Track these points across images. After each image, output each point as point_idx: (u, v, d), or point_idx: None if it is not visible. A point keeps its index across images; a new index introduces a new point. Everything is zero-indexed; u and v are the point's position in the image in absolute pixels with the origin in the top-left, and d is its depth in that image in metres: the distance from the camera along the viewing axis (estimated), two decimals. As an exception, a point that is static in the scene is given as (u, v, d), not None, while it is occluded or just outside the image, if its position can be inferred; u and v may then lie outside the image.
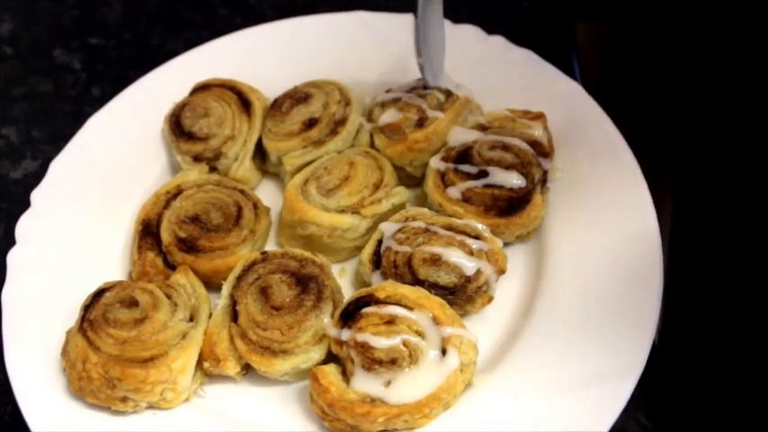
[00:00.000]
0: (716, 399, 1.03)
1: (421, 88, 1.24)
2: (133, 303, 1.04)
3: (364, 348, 0.99)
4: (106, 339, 1.01)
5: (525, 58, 1.34)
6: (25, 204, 1.22)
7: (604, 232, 1.14)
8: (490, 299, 1.10)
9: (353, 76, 1.33)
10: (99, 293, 1.07)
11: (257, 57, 1.38)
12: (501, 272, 1.11)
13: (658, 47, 1.38)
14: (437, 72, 1.23)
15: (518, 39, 1.37)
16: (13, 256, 1.15)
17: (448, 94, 1.23)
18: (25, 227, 1.19)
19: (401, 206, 1.18)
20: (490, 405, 1.02)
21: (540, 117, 1.23)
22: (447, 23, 1.37)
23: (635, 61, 1.42)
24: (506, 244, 1.16)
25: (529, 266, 1.17)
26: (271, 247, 1.21)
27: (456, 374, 1.00)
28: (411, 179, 1.23)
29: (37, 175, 1.35)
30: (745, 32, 1.12)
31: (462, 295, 1.07)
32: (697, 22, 1.25)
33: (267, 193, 1.27)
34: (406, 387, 0.98)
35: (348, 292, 1.13)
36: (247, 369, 1.08)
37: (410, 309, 1.02)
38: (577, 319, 1.08)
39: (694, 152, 1.21)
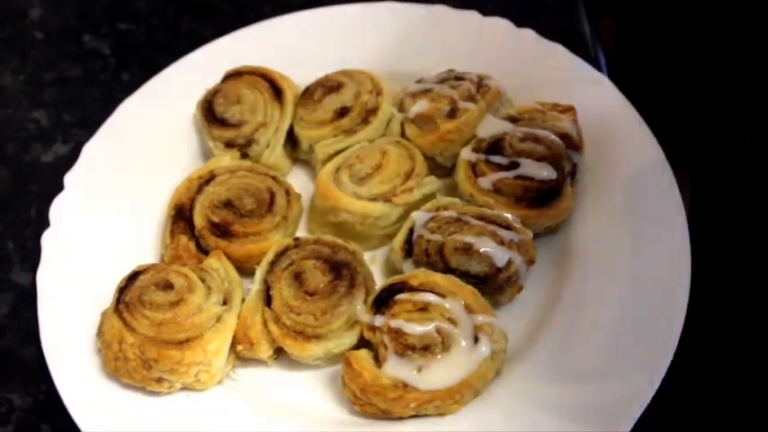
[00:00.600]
0: (735, 397, 1.04)
1: (452, 79, 1.25)
2: (168, 286, 1.06)
3: (398, 334, 1.01)
4: (142, 321, 1.03)
5: (554, 51, 1.34)
6: (56, 187, 1.24)
7: (632, 225, 1.15)
8: (520, 288, 1.11)
9: (384, 65, 1.34)
10: (134, 276, 1.09)
11: (288, 45, 1.39)
12: (531, 262, 1.12)
13: (682, 40, 1.39)
14: None
15: (545, 32, 1.37)
16: (47, 238, 1.17)
17: (479, 85, 1.24)
18: (58, 209, 1.21)
19: (432, 196, 1.19)
20: (519, 393, 1.03)
21: (569, 110, 1.23)
22: (476, 15, 1.39)
23: (659, 54, 1.43)
24: (536, 235, 1.16)
25: (557, 257, 1.17)
26: (302, 233, 1.22)
27: (487, 362, 1.01)
28: (441, 169, 1.24)
29: (67, 159, 1.37)
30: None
31: (493, 284, 1.09)
32: (721, 15, 1.26)
33: (298, 181, 1.28)
34: (439, 373, 1.00)
35: (378, 280, 1.14)
36: (279, 353, 1.09)
37: (443, 296, 1.03)
38: (604, 310, 1.09)
39: (713, 142, 1.22)
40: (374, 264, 1.18)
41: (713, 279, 1.12)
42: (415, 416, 1.01)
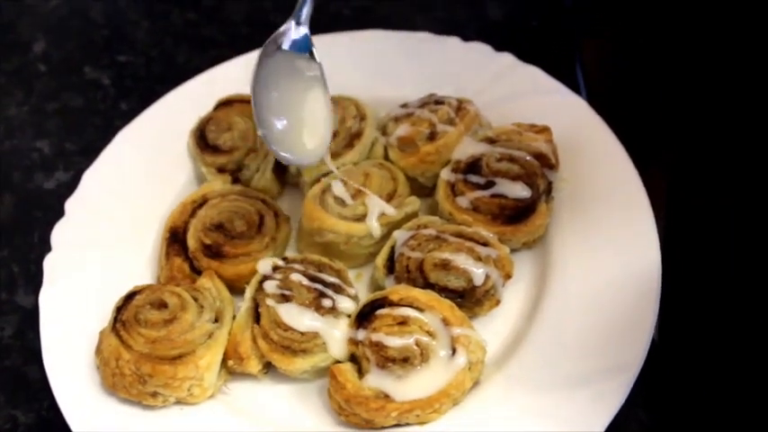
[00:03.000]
0: (713, 394, 1.09)
1: (433, 103, 1.31)
2: (162, 305, 1.12)
3: (379, 347, 1.06)
4: (137, 338, 1.09)
5: (532, 75, 1.40)
6: (59, 213, 1.30)
7: (605, 239, 1.20)
8: (497, 302, 1.16)
9: (369, 91, 1.40)
10: (130, 296, 1.14)
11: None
12: (507, 277, 1.17)
13: (661, 61, 1.44)
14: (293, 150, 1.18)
15: (527, 55, 1.43)
16: (49, 261, 1.23)
17: (458, 108, 1.30)
18: (60, 234, 1.27)
19: (413, 215, 1.25)
20: (496, 401, 1.08)
21: (545, 131, 1.29)
22: (457, 41, 1.45)
23: (638, 75, 1.49)
24: (513, 250, 1.22)
25: (534, 271, 1.23)
26: (291, 253, 1.28)
27: (464, 372, 1.06)
28: (423, 189, 1.30)
29: (69, 186, 1.43)
30: (749, 49, 1.18)
31: (471, 298, 1.14)
32: (699, 36, 1.31)
33: (288, 203, 1.34)
34: (418, 383, 1.05)
35: (364, 296, 1.19)
36: (269, 368, 1.14)
37: (422, 310, 1.09)
38: (579, 320, 1.14)
39: (686, 155, 1.27)
40: (360, 280, 1.24)
41: (688, 287, 1.18)
42: (397, 425, 1.07)
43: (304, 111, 1.21)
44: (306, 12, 1.23)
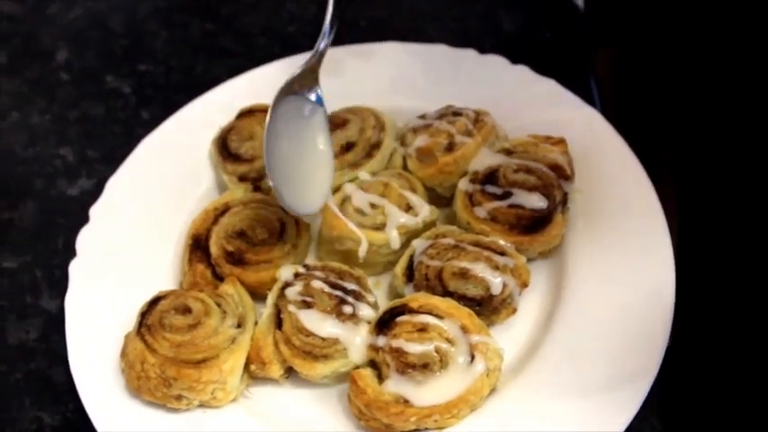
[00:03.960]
0: (726, 400, 1.11)
1: (451, 114, 1.34)
2: (187, 310, 1.14)
3: (399, 353, 1.08)
4: (162, 342, 1.11)
5: (548, 87, 1.43)
6: (82, 219, 1.32)
7: (620, 248, 1.23)
8: (514, 310, 1.19)
9: (387, 102, 1.43)
10: (155, 301, 1.17)
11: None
12: (524, 285, 1.19)
13: (674, 69, 1.47)
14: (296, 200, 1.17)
15: (542, 66, 1.46)
16: (74, 267, 1.26)
17: (476, 120, 1.33)
18: (85, 240, 1.29)
19: (432, 224, 1.27)
20: (512, 407, 1.11)
21: (560, 142, 1.32)
22: (473, 53, 1.48)
23: (652, 83, 1.51)
24: (530, 259, 1.24)
25: (550, 281, 1.25)
26: (311, 260, 1.30)
27: (482, 379, 1.08)
28: (441, 199, 1.32)
29: (92, 193, 1.46)
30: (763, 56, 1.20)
31: (488, 306, 1.16)
32: (713, 44, 1.34)
33: (308, 211, 1.36)
34: (437, 389, 1.07)
35: (382, 303, 1.22)
36: (290, 372, 1.17)
37: (441, 318, 1.11)
38: (594, 328, 1.16)
39: (699, 162, 1.29)
40: (379, 288, 1.27)
41: (702, 292, 1.20)
42: (416, 430, 1.09)
43: (307, 159, 1.22)
44: (318, 59, 1.25)
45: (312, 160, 1.22)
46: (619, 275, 1.20)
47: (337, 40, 1.49)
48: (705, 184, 1.30)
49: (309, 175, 1.22)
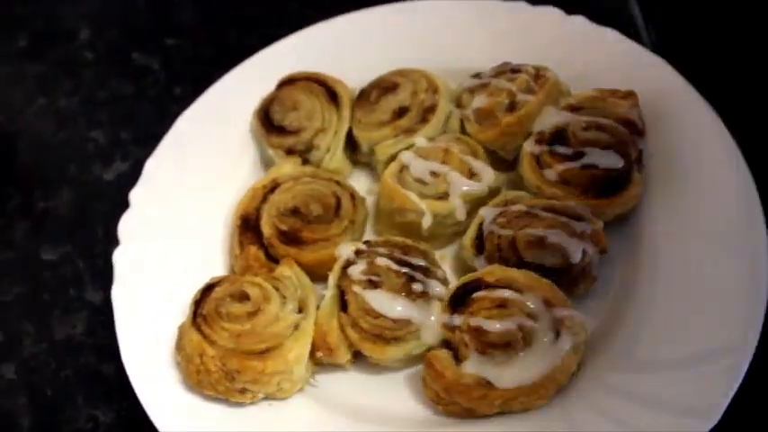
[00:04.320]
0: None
1: (509, 72, 1.24)
2: (244, 297, 1.06)
3: (478, 333, 1.00)
4: (221, 333, 1.03)
5: (607, 37, 1.33)
6: (120, 205, 1.25)
7: (701, 206, 1.13)
8: (594, 279, 1.10)
9: (437, 62, 1.33)
10: (208, 288, 1.09)
11: (338, 48, 1.39)
12: (603, 251, 1.10)
13: (732, 12, 1.37)
14: None
15: (594, 17, 1.35)
16: (118, 256, 1.18)
17: (536, 76, 1.23)
18: (126, 226, 1.22)
19: (497, 190, 1.18)
20: (602, 384, 1.02)
21: (630, 95, 1.22)
22: (525, 5, 1.38)
23: (710, 29, 1.41)
24: (605, 223, 1.15)
25: (628, 245, 1.16)
26: (368, 236, 1.22)
27: (569, 356, 1.00)
28: (503, 163, 1.23)
29: (128, 176, 1.39)
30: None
31: (567, 276, 1.07)
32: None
33: (359, 184, 1.28)
34: (522, 369, 0.99)
35: (451, 279, 1.13)
36: (356, 357, 1.09)
37: (521, 292, 1.02)
38: (680, 297, 1.07)
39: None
40: (444, 262, 1.18)
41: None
42: (500, 413, 1.01)
43: None
44: None
45: None
46: (703, 236, 1.10)
47: (366, 2, 1.40)
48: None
49: None
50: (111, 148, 1.46)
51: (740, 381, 0.97)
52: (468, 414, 1.01)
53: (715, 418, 0.95)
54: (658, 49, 1.40)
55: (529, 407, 1.00)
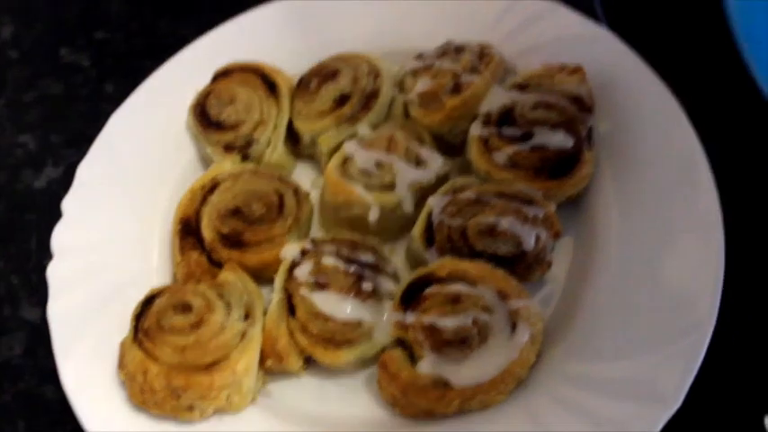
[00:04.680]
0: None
1: (453, 52, 1.19)
2: (186, 308, 1.01)
3: (432, 330, 0.96)
4: (164, 348, 0.98)
5: (553, 10, 1.28)
6: (54, 214, 1.18)
7: (654, 181, 1.10)
8: (549, 265, 1.07)
9: (378, 45, 1.28)
10: (149, 300, 1.04)
11: (275, 35, 1.33)
12: (557, 235, 1.07)
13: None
14: None
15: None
16: (52, 270, 1.12)
17: (481, 55, 1.18)
18: (60, 237, 1.15)
19: (445, 177, 1.14)
20: (560, 374, 0.99)
21: (578, 71, 1.18)
22: (466, -19, 1.32)
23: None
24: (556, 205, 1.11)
25: (581, 226, 1.13)
26: (314, 231, 1.17)
27: (528, 347, 0.97)
28: (451, 148, 1.19)
29: (61, 182, 1.32)
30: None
31: (521, 264, 1.04)
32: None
33: (303, 178, 1.23)
34: (479, 366, 0.95)
35: (402, 272, 1.09)
36: (309, 362, 1.05)
37: (474, 284, 0.99)
38: (637, 277, 1.04)
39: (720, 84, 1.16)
40: (395, 255, 1.13)
41: (750, 235, 1.07)
42: (459, 413, 0.97)
43: None
44: None
45: None
46: (657, 211, 1.07)
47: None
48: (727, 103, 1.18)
49: None
50: (41, 152, 1.38)
51: (699, 363, 0.94)
52: (427, 415, 0.98)
53: (676, 403, 0.92)
54: (609, 23, 1.36)
55: (488, 404, 0.97)
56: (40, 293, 1.19)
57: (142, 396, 0.98)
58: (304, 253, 1.06)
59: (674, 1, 1.36)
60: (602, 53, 1.22)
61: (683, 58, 1.29)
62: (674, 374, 0.94)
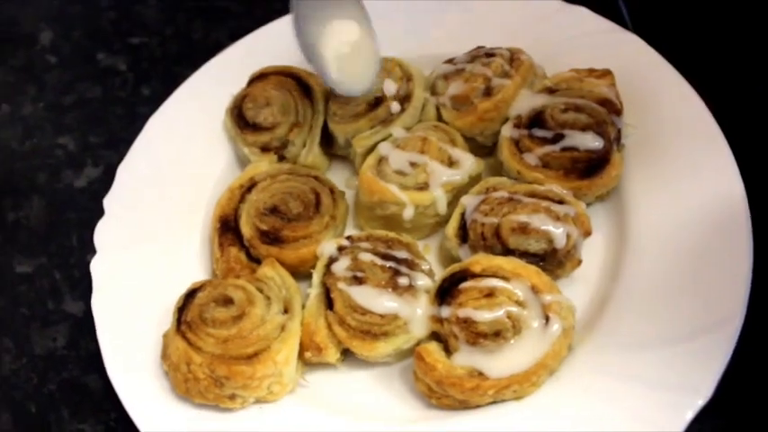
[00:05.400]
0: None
1: (483, 56, 1.23)
2: (228, 301, 1.04)
3: (467, 323, 0.99)
4: (207, 339, 1.01)
5: (580, 15, 1.32)
6: (94, 212, 1.22)
7: (683, 181, 1.13)
8: (579, 262, 1.09)
9: (409, 50, 1.31)
10: (191, 294, 1.07)
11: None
12: (587, 234, 1.10)
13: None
14: (344, 79, 1.18)
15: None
16: (95, 265, 1.16)
17: (511, 59, 1.22)
18: (102, 234, 1.19)
19: (478, 177, 1.17)
20: (591, 368, 1.02)
21: (606, 74, 1.21)
22: (497, -13, 1.36)
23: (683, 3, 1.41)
24: (586, 204, 1.14)
25: (610, 225, 1.15)
26: (350, 230, 1.20)
27: (560, 340, 1.00)
28: (482, 149, 1.22)
29: (101, 182, 1.36)
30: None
31: (553, 261, 1.07)
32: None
33: (338, 177, 1.26)
34: (513, 358, 0.98)
35: (435, 269, 1.12)
36: (346, 354, 1.08)
37: (507, 279, 1.01)
38: (666, 273, 1.07)
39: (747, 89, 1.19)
40: (428, 253, 1.17)
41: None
42: (493, 402, 1.00)
43: (347, 37, 1.19)
44: None
45: (354, 35, 1.19)
46: (685, 210, 1.10)
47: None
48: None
49: (356, 51, 1.19)
50: (81, 153, 1.42)
51: (730, 355, 0.97)
52: (462, 405, 1.00)
53: (707, 393, 0.95)
54: (636, 26, 1.40)
55: (521, 394, 1.00)
56: (81, 288, 1.23)
57: (186, 385, 1.01)
58: (341, 249, 1.09)
59: (699, 5, 1.39)
60: (630, 57, 1.26)
61: (709, 61, 1.32)
62: (705, 366, 0.96)
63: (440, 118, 1.23)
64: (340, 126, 1.23)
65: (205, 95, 1.33)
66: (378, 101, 1.21)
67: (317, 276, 1.08)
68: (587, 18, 1.32)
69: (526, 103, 1.18)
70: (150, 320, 1.11)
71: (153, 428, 1.02)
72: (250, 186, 1.19)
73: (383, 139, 1.20)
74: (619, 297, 1.07)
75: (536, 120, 1.16)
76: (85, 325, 1.15)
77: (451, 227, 1.11)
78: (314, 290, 1.08)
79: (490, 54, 1.23)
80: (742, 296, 1.01)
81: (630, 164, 1.18)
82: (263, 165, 1.21)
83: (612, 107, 1.17)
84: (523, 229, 1.06)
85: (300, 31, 1.16)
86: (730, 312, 1.00)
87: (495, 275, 1.02)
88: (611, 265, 1.12)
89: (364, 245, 1.09)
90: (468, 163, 1.16)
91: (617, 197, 1.17)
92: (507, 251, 1.06)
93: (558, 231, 1.06)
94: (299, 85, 1.27)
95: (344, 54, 1.18)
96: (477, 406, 1.00)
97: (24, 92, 1.52)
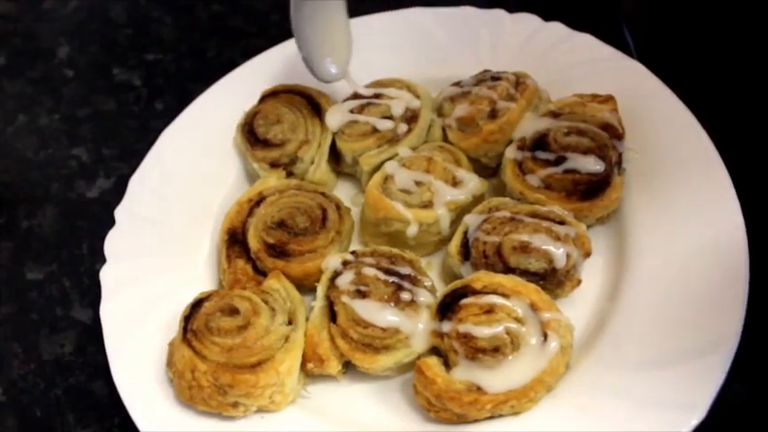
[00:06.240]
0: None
1: (489, 80, 1.26)
2: (234, 311, 1.07)
3: (467, 339, 1.01)
4: (212, 348, 1.04)
5: (585, 42, 1.35)
6: (105, 222, 1.25)
7: (682, 206, 1.15)
8: (579, 282, 1.11)
9: (418, 71, 1.34)
10: (197, 303, 1.09)
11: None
12: (587, 255, 1.12)
13: (710, 14, 1.39)
14: (327, 68, 1.26)
15: (573, 21, 1.37)
16: (105, 274, 1.18)
17: (517, 83, 1.25)
18: (113, 244, 1.22)
19: (481, 197, 1.19)
20: (589, 385, 1.03)
21: (609, 100, 1.24)
22: (503, 13, 1.39)
23: (688, 31, 1.44)
24: (587, 226, 1.17)
25: (610, 247, 1.18)
26: (355, 246, 1.23)
27: (557, 358, 1.01)
28: (486, 170, 1.25)
29: (112, 193, 1.39)
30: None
31: (552, 280, 1.09)
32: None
33: (344, 194, 1.29)
34: (511, 373, 1.00)
35: (437, 285, 1.14)
36: (347, 366, 1.10)
37: (507, 297, 1.04)
38: (665, 294, 1.09)
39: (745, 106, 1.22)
40: (431, 270, 1.19)
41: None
42: (491, 417, 1.02)
43: (327, 26, 1.25)
44: None
45: (333, 24, 1.25)
46: (684, 234, 1.13)
47: (360, 9, 1.41)
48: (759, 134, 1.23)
49: (332, 40, 1.26)
50: (94, 164, 1.45)
51: (725, 375, 0.99)
52: (460, 419, 1.02)
53: (702, 412, 0.97)
54: (640, 54, 1.43)
55: (519, 410, 1.01)
56: (90, 295, 1.26)
57: (190, 392, 1.03)
58: (345, 264, 1.12)
59: (702, 34, 1.42)
60: (633, 83, 1.29)
61: (710, 88, 1.35)
62: (701, 386, 0.98)
63: (445, 139, 1.26)
64: (348, 144, 1.26)
65: (217, 111, 1.36)
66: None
67: (321, 289, 1.11)
68: (592, 45, 1.35)
69: (530, 125, 1.21)
70: (157, 329, 1.13)
71: (156, 434, 1.04)
72: (258, 201, 1.21)
73: (390, 158, 1.23)
74: (617, 317, 1.09)
75: (539, 142, 1.18)
76: (93, 332, 1.18)
77: (454, 244, 1.14)
78: (318, 303, 1.10)
79: (496, 77, 1.26)
80: (738, 318, 1.02)
81: (631, 187, 1.20)
82: (271, 180, 1.24)
83: (614, 132, 1.19)
84: (524, 248, 1.08)
85: (292, 16, 1.22)
86: (726, 334, 1.01)
87: (495, 292, 1.04)
88: (609, 286, 1.14)
89: (368, 260, 1.11)
90: (472, 183, 1.18)
91: (617, 220, 1.19)
92: (508, 269, 1.08)
93: (558, 251, 1.08)
94: (310, 104, 1.30)
95: (320, 38, 1.24)
96: (476, 420, 1.02)
97: (41, 103, 1.56)
